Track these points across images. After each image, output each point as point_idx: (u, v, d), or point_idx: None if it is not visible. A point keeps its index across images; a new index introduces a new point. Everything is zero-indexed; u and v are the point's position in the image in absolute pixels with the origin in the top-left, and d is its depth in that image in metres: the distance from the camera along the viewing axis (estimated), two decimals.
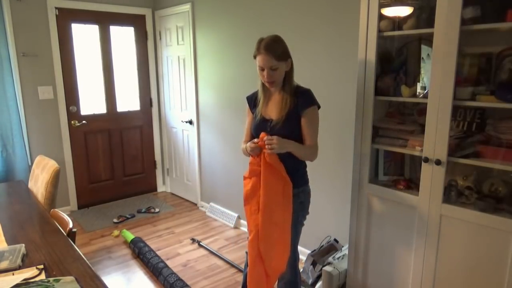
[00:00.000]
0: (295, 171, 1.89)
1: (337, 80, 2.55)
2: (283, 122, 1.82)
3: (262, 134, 1.81)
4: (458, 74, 1.72)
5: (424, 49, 1.99)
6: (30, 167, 3.61)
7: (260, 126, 1.91)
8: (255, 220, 1.89)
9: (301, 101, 1.81)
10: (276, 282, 2.07)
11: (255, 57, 1.81)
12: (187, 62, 3.98)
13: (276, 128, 1.83)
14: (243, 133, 2.11)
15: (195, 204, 4.26)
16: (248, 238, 1.95)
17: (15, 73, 3.51)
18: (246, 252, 2.02)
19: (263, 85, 1.91)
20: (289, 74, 1.85)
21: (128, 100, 4.37)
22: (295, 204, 1.89)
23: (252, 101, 2.01)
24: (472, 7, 1.65)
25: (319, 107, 1.87)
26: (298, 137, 1.86)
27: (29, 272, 1.38)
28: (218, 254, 3.10)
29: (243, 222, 3.56)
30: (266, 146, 1.76)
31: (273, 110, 1.89)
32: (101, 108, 4.18)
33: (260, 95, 1.95)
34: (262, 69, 1.80)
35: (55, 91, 3.79)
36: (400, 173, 2.19)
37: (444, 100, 1.74)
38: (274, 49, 1.75)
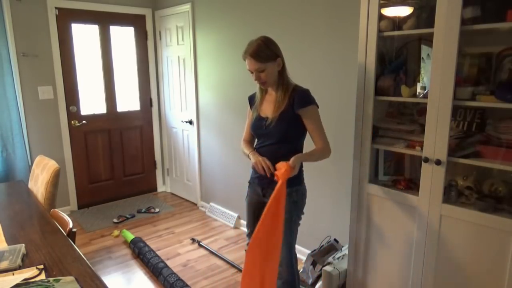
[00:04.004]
0: None
1: (337, 80, 2.55)
2: (277, 120, 1.84)
3: (280, 165, 1.71)
4: (458, 74, 1.72)
5: (424, 49, 1.99)
6: (30, 167, 3.61)
7: (257, 124, 1.94)
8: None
9: (297, 100, 1.82)
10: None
11: (244, 59, 1.84)
12: (187, 62, 3.98)
13: (271, 126, 1.85)
14: (243, 131, 2.14)
15: (195, 204, 4.26)
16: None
17: (15, 73, 3.51)
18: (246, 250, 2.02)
19: None
20: (282, 72, 1.86)
21: (128, 100, 4.36)
22: (288, 203, 1.89)
23: (253, 100, 2.05)
24: (472, 7, 1.65)
25: (317, 106, 1.88)
26: (293, 135, 1.87)
27: (29, 272, 1.38)
28: (218, 254, 3.10)
29: (243, 222, 3.55)
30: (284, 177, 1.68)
31: (268, 108, 1.91)
32: (101, 108, 4.17)
33: (258, 94, 1.99)
34: (251, 72, 1.84)
35: (55, 91, 3.79)
36: (400, 173, 2.19)
37: (444, 100, 1.74)
38: (257, 53, 1.78)
